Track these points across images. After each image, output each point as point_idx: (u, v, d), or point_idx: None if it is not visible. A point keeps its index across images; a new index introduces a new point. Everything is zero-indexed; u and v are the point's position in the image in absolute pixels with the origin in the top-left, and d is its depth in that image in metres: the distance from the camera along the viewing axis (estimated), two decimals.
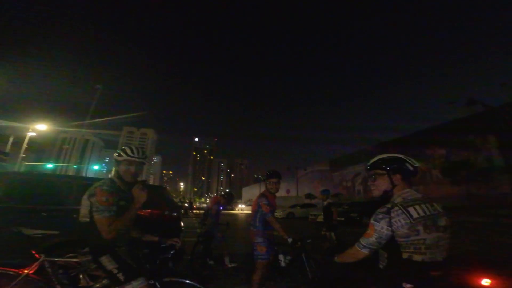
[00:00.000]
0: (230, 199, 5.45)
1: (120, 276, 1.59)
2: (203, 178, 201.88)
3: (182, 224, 5.36)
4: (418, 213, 1.26)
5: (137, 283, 1.61)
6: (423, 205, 1.29)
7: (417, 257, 1.24)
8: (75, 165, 35.92)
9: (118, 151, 1.83)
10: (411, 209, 1.28)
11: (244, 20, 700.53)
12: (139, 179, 1.86)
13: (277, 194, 3.25)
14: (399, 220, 1.26)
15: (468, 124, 20.36)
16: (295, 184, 40.93)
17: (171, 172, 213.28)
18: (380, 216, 1.32)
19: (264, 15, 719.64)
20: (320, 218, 10.74)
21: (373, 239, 1.32)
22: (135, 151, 1.80)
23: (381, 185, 1.45)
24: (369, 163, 1.54)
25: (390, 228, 1.28)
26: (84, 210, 1.64)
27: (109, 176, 1.90)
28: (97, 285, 1.78)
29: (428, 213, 1.27)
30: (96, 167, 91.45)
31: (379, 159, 1.50)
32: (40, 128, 21.51)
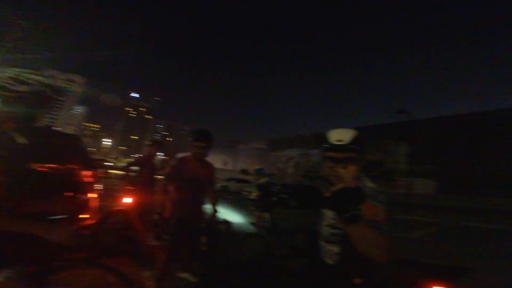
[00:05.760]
0: (160, 144, 4.44)
1: None
2: (135, 137, 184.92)
3: (101, 187, 4.36)
4: None
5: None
6: None
7: None
8: None
9: None
10: None
11: None
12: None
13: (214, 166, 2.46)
14: None
15: (389, 130, 23.73)
16: (233, 157, 41.37)
17: (97, 126, 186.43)
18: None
19: None
20: (254, 195, 10.88)
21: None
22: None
23: (353, 171, 1.04)
24: (344, 141, 1.02)
25: None
26: None
27: None
28: None
29: None
30: None
31: (356, 136, 1.05)
32: None
